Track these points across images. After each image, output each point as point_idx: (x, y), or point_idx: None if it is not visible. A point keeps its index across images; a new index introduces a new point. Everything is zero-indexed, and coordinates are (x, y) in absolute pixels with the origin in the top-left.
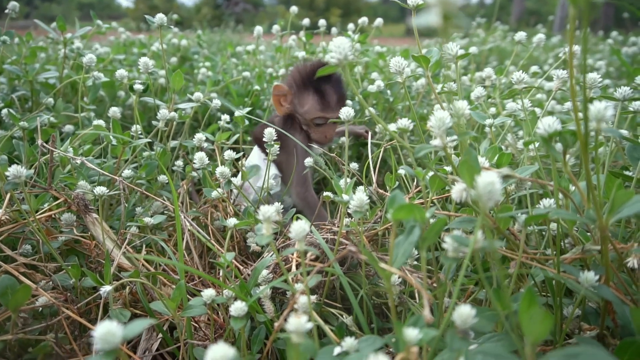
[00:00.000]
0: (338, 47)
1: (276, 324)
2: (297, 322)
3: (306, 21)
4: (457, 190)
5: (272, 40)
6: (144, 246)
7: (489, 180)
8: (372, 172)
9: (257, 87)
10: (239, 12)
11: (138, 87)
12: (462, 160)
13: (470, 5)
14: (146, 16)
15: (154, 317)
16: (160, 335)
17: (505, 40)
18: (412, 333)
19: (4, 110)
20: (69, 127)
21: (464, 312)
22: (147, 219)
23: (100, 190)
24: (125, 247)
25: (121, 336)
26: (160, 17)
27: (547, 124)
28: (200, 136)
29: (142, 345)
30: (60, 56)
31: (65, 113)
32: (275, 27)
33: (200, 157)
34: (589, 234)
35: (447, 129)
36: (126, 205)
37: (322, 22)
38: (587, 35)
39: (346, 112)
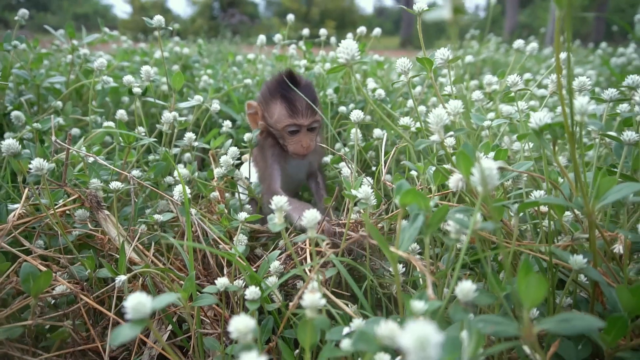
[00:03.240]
0: (346, 48)
1: (291, 304)
2: (312, 298)
3: (306, 31)
4: (454, 180)
5: (271, 50)
6: (153, 244)
7: (487, 165)
8: (382, 168)
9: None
10: (235, 24)
11: (137, 90)
12: (458, 151)
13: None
14: (144, 18)
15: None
16: (170, 326)
17: (499, 52)
18: (418, 304)
19: (14, 113)
20: (75, 130)
21: (466, 287)
22: (156, 216)
23: (116, 184)
24: (136, 244)
25: (151, 307)
26: (158, 19)
27: (539, 117)
28: (190, 135)
29: (152, 336)
30: (63, 62)
31: (74, 116)
32: (278, 36)
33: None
34: (578, 224)
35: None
36: (136, 201)
37: (322, 31)
38: (570, 31)
39: (356, 114)
